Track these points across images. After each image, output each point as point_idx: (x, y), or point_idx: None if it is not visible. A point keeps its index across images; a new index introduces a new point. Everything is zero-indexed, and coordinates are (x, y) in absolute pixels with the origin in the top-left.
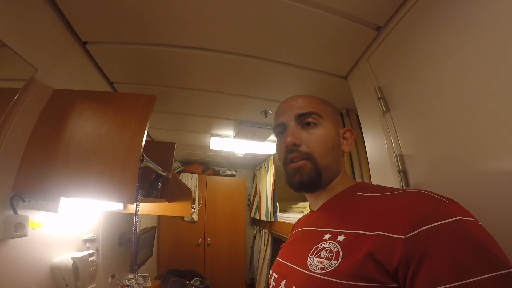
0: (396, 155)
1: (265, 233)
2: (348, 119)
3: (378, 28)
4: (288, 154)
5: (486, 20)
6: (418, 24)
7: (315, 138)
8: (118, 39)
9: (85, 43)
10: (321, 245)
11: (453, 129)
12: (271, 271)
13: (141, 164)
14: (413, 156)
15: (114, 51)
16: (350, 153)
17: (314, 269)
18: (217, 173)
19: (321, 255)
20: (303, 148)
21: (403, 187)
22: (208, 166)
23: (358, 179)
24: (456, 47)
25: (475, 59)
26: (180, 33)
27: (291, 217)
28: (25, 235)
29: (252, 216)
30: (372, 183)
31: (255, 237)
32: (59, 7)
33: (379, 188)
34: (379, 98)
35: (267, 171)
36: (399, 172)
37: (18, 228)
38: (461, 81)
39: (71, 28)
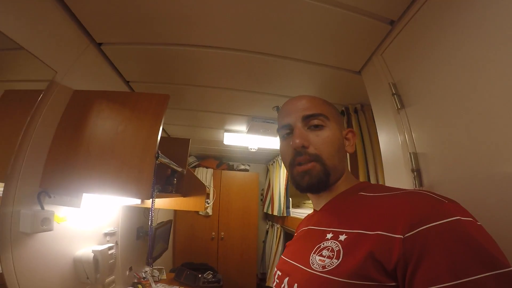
0: (410, 153)
1: (278, 228)
2: (363, 114)
3: (392, 23)
4: (296, 157)
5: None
6: (434, 18)
7: (322, 140)
8: (131, 40)
9: (100, 44)
10: (323, 244)
11: (470, 129)
12: (275, 269)
13: (157, 161)
14: (427, 155)
15: (128, 52)
16: (364, 151)
17: (316, 268)
18: (231, 168)
19: (323, 254)
20: (311, 150)
21: (416, 186)
22: (222, 161)
23: (372, 177)
24: (477, 43)
25: (495, 57)
26: (191, 32)
27: (304, 212)
28: (51, 229)
29: (264, 211)
30: (385, 181)
31: (267, 232)
32: (71, 10)
33: (381, 187)
34: (393, 94)
35: (280, 166)
36: (412, 171)
37: (45, 223)
38: (481, 79)
39: (86, 30)
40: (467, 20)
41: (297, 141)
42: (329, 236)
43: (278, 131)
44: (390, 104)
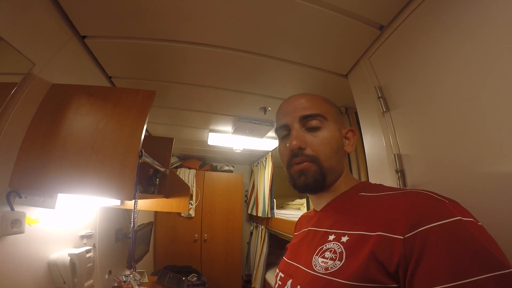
0: (394, 154)
1: (262, 229)
2: (347, 117)
3: (381, 28)
4: (293, 158)
5: (489, 23)
6: (422, 24)
7: (320, 141)
8: (117, 34)
9: (84, 37)
10: (325, 245)
11: (452, 131)
12: (277, 270)
13: (140, 160)
14: (411, 156)
15: (113, 46)
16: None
17: (318, 269)
18: (214, 169)
19: (325, 255)
20: (308, 151)
21: (400, 187)
22: (205, 162)
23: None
24: (458, 49)
25: (477, 62)
26: (179, 28)
27: (288, 213)
28: (22, 232)
29: (249, 212)
30: (371, 182)
31: (251, 233)
32: (57, 1)
33: (381, 187)
34: (379, 98)
35: (264, 167)
36: (396, 172)
37: (15, 225)
38: (462, 83)
39: (70, 22)
40: (452, 28)
41: (294, 142)
42: (331, 237)
43: (276, 131)
44: (376, 107)
